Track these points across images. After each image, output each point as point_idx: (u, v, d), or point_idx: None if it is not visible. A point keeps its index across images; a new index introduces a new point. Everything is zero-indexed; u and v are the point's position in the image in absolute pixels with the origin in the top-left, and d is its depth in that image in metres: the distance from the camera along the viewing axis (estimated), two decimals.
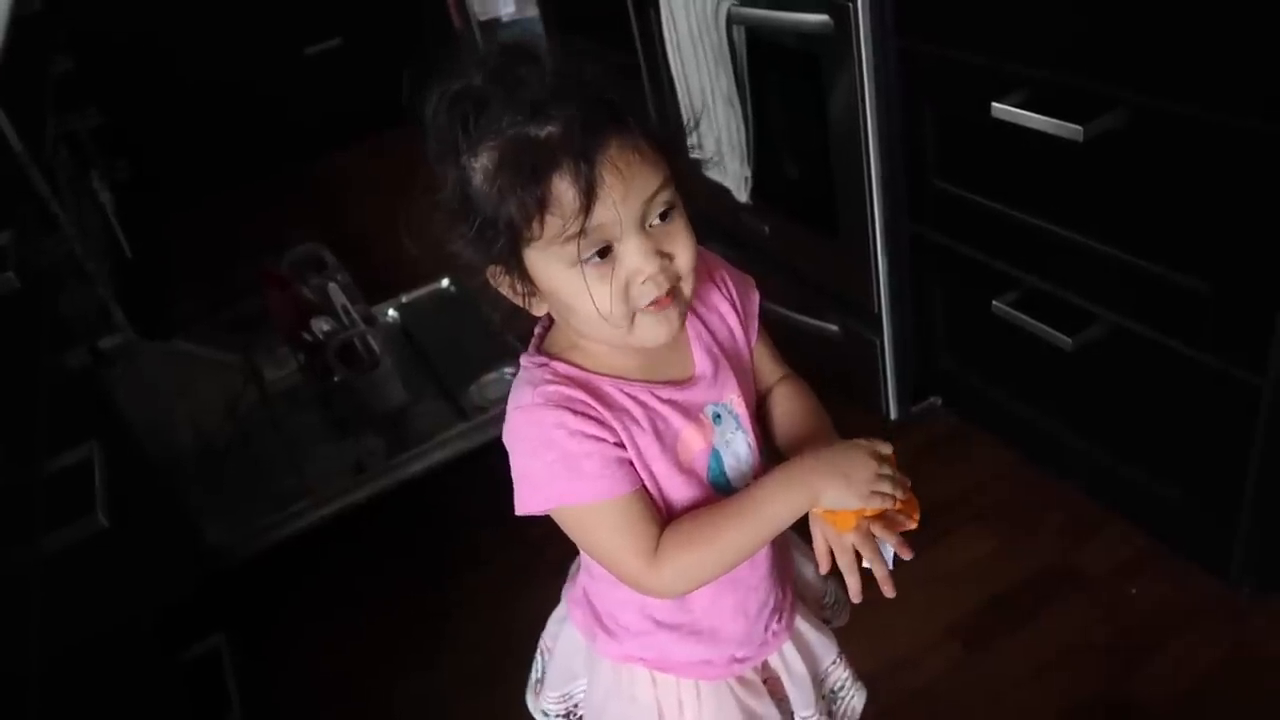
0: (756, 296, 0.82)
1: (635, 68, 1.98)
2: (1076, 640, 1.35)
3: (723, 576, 0.74)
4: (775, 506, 0.70)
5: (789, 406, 0.83)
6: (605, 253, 0.65)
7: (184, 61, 3.03)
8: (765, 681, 0.87)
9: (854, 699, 0.93)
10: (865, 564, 0.72)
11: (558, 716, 0.93)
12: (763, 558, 0.81)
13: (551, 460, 0.68)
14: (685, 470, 0.73)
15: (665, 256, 0.66)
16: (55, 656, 0.91)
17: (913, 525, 0.72)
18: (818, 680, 0.89)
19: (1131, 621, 1.36)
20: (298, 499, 1.77)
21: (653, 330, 0.68)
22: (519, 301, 0.70)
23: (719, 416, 0.75)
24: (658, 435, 0.71)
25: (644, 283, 0.66)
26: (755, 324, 0.82)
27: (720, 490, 0.75)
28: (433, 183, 0.67)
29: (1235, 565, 1.31)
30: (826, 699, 0.91)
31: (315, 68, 3.21)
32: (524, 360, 0.73)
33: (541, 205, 0.61)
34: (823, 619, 0.93)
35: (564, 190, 0.61)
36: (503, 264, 0.67)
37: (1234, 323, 1.13)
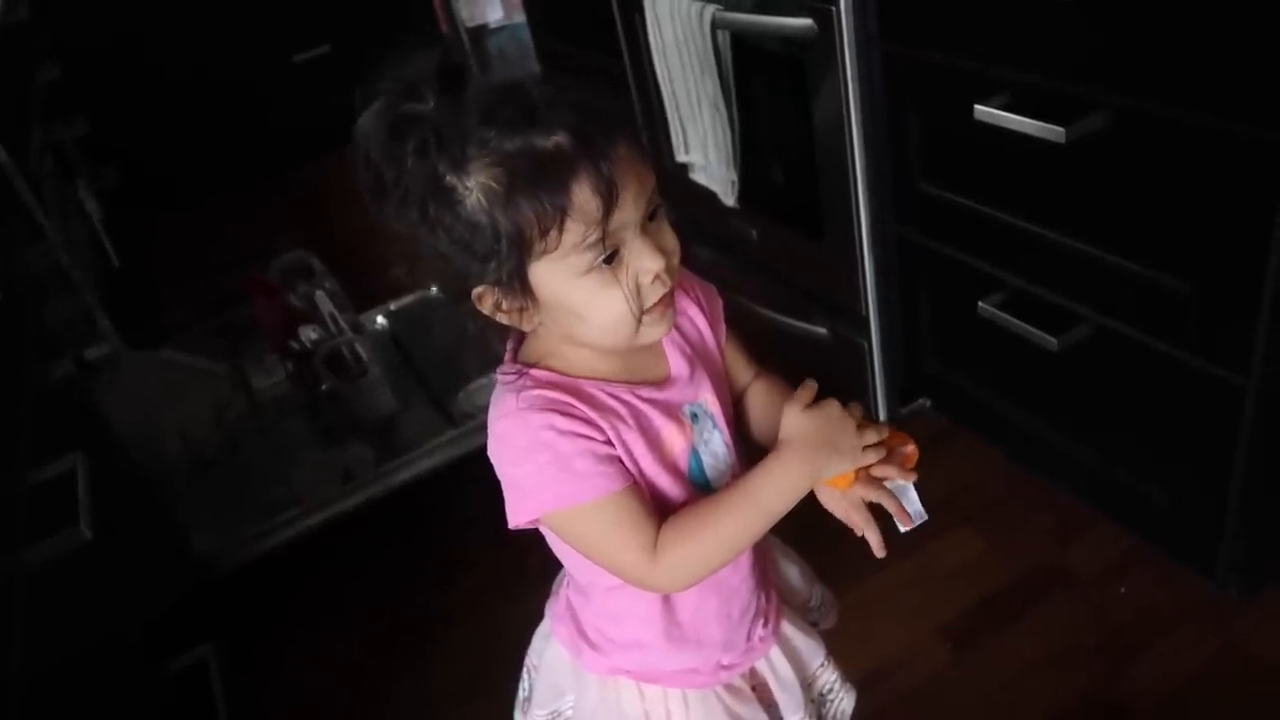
0: (720, 303, 0.83)
1: (621, 73, 1.99)
2: (1065, 641, 1.35)
3: (707, 579, 0.74)
4: (773, 496, 0.70)
5: (764, 401, 0.83)
6: (611, 257, 0.65)
7: (172, 69, 3.02)
8: (753, 688, 0.87)
9: (843, 701, 0.93)
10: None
11: None
12: (744, 559, 0.81)
13: (544, 463, 0.68)
14: (670, 469, 0.73)
15: (664, 254, 0.67)
16: (39, 669, 0.90)
17: (911, 449, 0.74)
18: (806, 684, 0.89)
19: (1119, 622, 1.36)
20: (286, 508, 1.77)
21: (653, 330, 0.69)
22: (508, 320, 0.70)
23: (696, 416, 0.75)
24: (643, 433, 0.72)
25: (652, 282, 0.66)
26: (722, 326, 0.82)
27: (700, 489, 0.75)
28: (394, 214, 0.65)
29: (1222, 565, 1.31)
30: (816, 702, 0.90)
31: (304, 75, 3.20)
32: (500, 374, 0.73)
33: (563, 214, 0.61)
34: (809, 622, 0.93)
35: (586, 197, 0.61)
36: (502, 282, 0.65)
37: (1217, 323, 1.13)
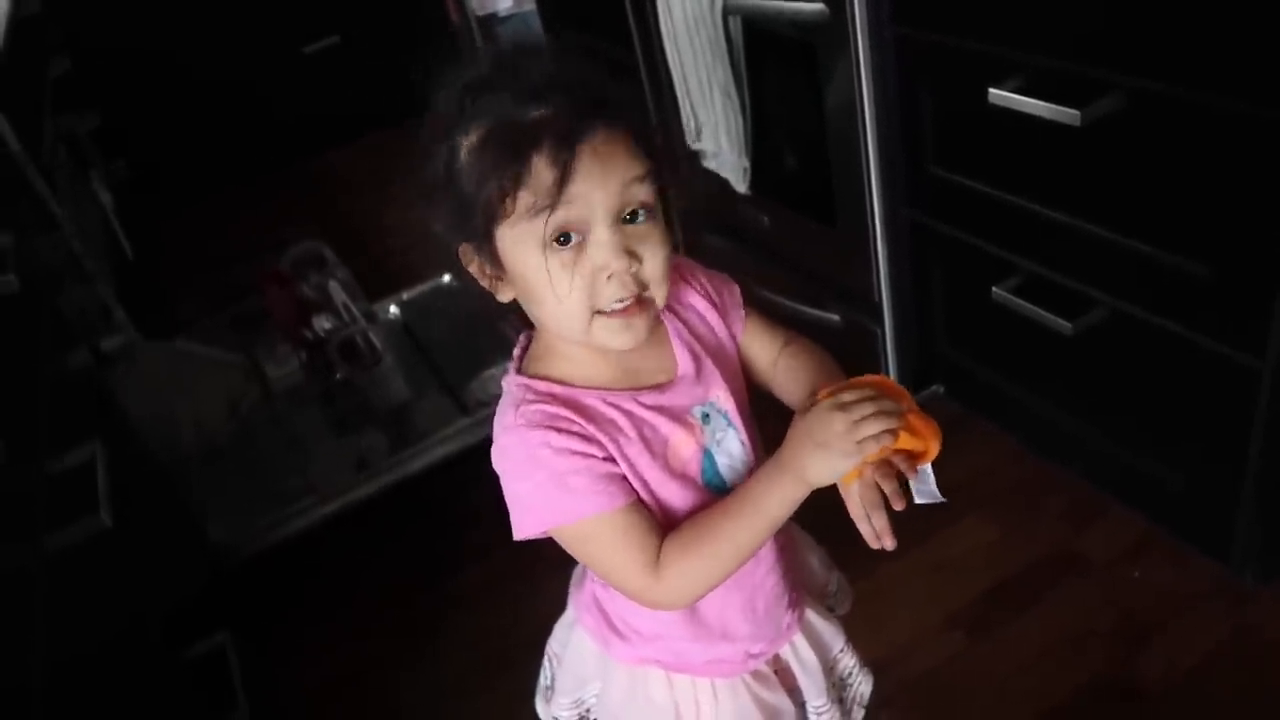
0: (736, 289, 0.82)
1: (633, 62, 1.98)
2: (1079, 625, 1.35)
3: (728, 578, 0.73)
4: (768, 501, 0.68)
5: (793, 365, 0.80)
6: (568, 239, 0.65)
7: (183, 61, 3.03)
8: (776, 672, 0.87)
9: (862, 685, 0.93)
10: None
11: None
12: (766, 553, 0.80)
13: (541, 480, 0.68)
14: (679, 476, 0.72)
15: (634, 258, 0.66)
16: (60, 655, 0.91)
17: (928, 449, 0.69)
18: (828, 668, 0.89)
19: (1133, 607, 1.36)
20: (300, 497, 1.78)
21: (612, 336, 0.68)
22: (486, 284, 0.71)
23: (707, 416, 0.74)
24: (646, 444, 0.71)
25: (609, 279, 0.65)
26: (740, 314, 0.81)
27: (716, 492, 0.74)
28: (423, 164, 0.68)
29: (1237, 549, 1.31)
30: (837, 686, 0.91)
31: (314, 66, 3.21)
32: (506, 382, 0.73)
33: (517, 181, 0.63)
34: (826, 607, 0.93)
35: (542, 169, 0.62)
36: (475, 242, 0.68)
37: (1234, 306, 1.12)
